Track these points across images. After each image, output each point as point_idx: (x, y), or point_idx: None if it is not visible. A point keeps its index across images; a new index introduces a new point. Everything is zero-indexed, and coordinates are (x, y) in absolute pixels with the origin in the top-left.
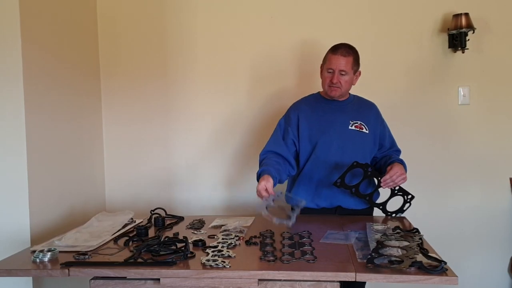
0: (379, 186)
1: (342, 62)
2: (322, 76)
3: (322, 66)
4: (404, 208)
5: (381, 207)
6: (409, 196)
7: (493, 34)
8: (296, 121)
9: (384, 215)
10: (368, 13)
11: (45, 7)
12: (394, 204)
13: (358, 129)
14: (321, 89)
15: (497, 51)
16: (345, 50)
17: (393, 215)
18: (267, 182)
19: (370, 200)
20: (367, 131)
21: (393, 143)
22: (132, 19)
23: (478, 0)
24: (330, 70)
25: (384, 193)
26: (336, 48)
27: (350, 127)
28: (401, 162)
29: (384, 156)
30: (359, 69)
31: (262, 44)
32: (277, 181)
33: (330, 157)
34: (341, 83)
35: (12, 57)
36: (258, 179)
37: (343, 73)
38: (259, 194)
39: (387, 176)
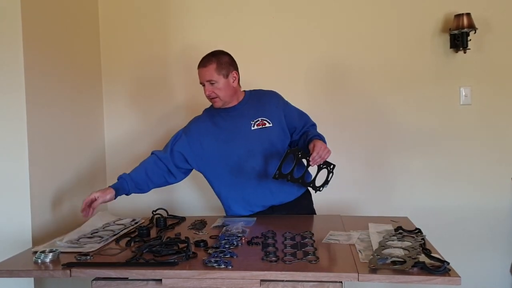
0: (308, 166)
1: (204, 73)
2: None
3: None
4: (329, 179)
5: (311, 185)
6: (331, 166)
7: (495, 34)
8: (197, 139)
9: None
10: (370, 14)
11: (46, 9)
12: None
13: (261, 126)
14: None
15: (499, 51)
16: (205, 60)
17: (321, 188)
18: (102, 197)
19: (303, 182)
20: (271, 124)
21: (306, 120)
22: (133, 21)
23: (480, 0)
24: (202, 84)
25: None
26: (200, 62)
27: (253, 128)
28: (319, 137)
29: (302, 135)
30: (234, 70)
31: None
32: (125, 192)
33: (244, 163)
34: (216, 92)
35: (14, 59)
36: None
37: (212, 82)
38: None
39: (314, 154)
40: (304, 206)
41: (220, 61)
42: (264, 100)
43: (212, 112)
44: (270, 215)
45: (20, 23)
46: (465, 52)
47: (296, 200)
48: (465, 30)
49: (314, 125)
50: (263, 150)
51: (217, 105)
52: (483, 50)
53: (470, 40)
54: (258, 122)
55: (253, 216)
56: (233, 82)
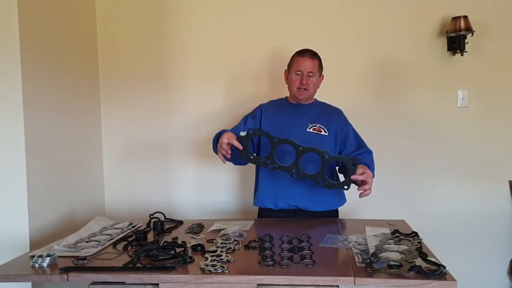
0: (349, 183)
1: (309, 64)
2: (290, 80)
3: (287, 71)
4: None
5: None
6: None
7: (492, 37)
8: (259, 118)
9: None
10: (367, 17)
11: (43, 8)
12: None
13: (316, 131)
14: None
15: (496, 54)
16: (312, 53)
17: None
18: (230, 137)
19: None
20: (326, 134)
21: (360, 144)
22: (130, 21)
23: (477, 3)
24: (299, 73)
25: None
26: (303, 52)
27: (308, 130)
28: (370, 166)
29: (357, 156)
30: (322, 74)
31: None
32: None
33: (287, 158)
34: (309, 84)
35: (11, 59)
36: (215, 142)
37: (310, 74)
38: (221, 148)
39: (366, 187)
40: None
41: (320, 59)
42: (328, 112)
43: (277, 104)
44: (277, 217)
45: (17, 24)
46: (462, 55)
47: (321, 213)
48: (463, 32)
49: (369, 152)
50: (308, 153)
51: (303, 97)
52: (481, 52)
53: (467, 42)
54: (316, 127)
55: (276, 214)
56: (319, 82)
